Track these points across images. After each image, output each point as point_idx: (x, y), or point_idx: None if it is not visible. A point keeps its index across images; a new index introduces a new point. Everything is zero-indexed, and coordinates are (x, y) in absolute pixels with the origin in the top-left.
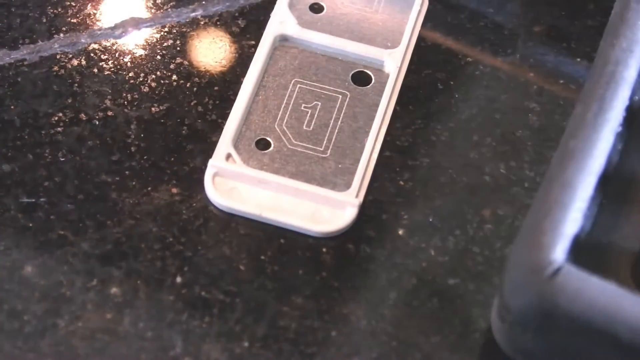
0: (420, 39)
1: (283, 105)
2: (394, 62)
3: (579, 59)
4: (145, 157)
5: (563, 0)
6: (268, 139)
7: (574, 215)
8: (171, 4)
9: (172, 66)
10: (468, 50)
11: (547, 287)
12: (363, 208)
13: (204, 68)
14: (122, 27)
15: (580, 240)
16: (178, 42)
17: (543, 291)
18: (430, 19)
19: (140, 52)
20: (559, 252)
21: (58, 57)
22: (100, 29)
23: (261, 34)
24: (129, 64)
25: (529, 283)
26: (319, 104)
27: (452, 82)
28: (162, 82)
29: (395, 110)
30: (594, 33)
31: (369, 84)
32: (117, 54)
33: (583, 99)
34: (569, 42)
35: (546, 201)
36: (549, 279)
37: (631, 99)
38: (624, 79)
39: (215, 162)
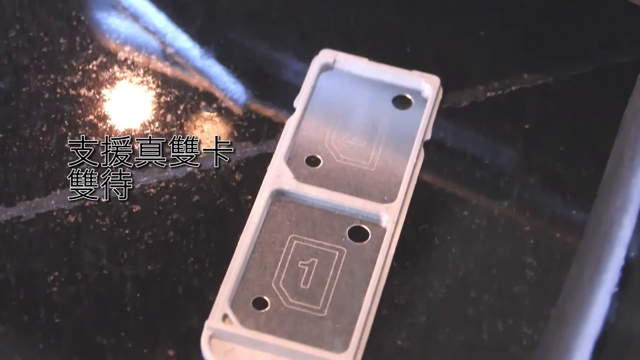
0: (416, 191)
1: (280, 263)
2: (390, 217)
3: (574, 212)
4: (141, 318)
5: (558, 150)
6: (265, 298)
7: None
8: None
9: (168, 222)
10: (464, 203)
11: None
12: None
13: (201, 224)
14: None
15: None
16: (175, 197)
17: None
18: (427, 171)
19: (137, 207)
20: None
21: (54, 213)
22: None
23: (258, 188)
24: (125, 220)
25: None
26: (316, 260)
27: (448, 237)
28: (158, 238)
29: (392, 266)
30: (590, 184)
31: (366, 240)
32: (113, 210)
33: (579, 259)
34: (564, 194)
35: None
36: None
37: (626, 257)
38: (618, 239)
39: (212, 324)
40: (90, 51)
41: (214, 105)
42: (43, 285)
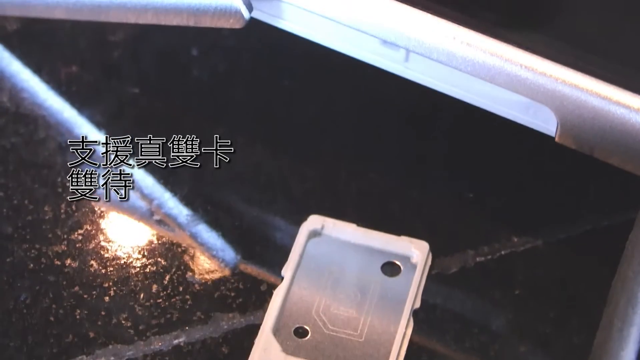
0: None
1: None
2: None
3: None
4: None
5: (548, 316)
6: None
7: None
8: (154, 330)
9: None
10: None
11: None
12: None
13: None
14: (104, 357)
15: None
16: None
17: None
18: (416, 340)
19: None
20: None
21: None
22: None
23: None
24: None
25: None
26: None
27: None
28: None
29: None
30: (581, 351)
31: None
32: None
33: None
34: None
35: None
36: None
37: None
38: None
39: None
40: (75, 219)
41: (201, 275)
42: None
